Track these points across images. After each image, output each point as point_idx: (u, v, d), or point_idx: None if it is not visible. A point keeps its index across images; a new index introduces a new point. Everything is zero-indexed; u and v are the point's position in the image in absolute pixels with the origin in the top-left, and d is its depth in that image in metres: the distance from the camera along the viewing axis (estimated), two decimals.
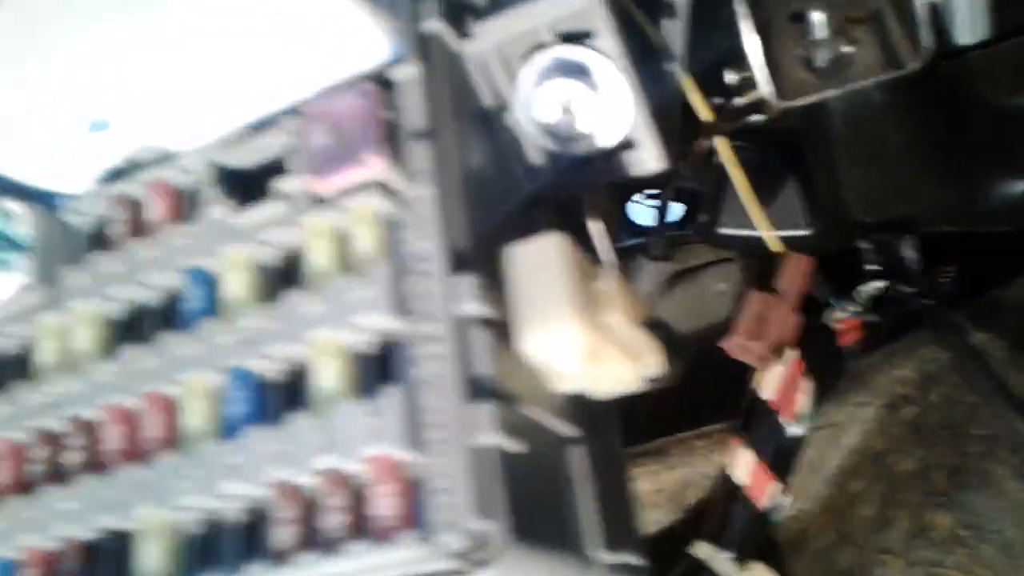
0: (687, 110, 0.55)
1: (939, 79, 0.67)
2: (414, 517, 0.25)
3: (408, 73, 0.32)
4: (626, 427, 0.86)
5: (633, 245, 0.73)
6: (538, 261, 0.29)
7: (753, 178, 0.79)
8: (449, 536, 0.25)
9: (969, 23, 0.45)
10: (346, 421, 0.27)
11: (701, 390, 0.78)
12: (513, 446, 0.27)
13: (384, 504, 0.26)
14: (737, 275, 0.91)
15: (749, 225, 0.76)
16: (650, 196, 0.87)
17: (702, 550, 0.65)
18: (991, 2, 0.45)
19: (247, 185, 0.32)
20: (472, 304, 0.28)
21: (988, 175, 0.67)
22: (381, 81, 0.32)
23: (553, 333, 0.28)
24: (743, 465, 0.66)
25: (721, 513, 0.66)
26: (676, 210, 0.86)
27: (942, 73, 0.68)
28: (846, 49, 0.51)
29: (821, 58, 0.51)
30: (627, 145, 0.36)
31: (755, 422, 0.67)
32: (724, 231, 0.79)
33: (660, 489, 0.70)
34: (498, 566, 0.25)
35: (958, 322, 0.61)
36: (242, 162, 0.33)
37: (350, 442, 0.26)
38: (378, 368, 0.28)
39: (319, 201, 0.31)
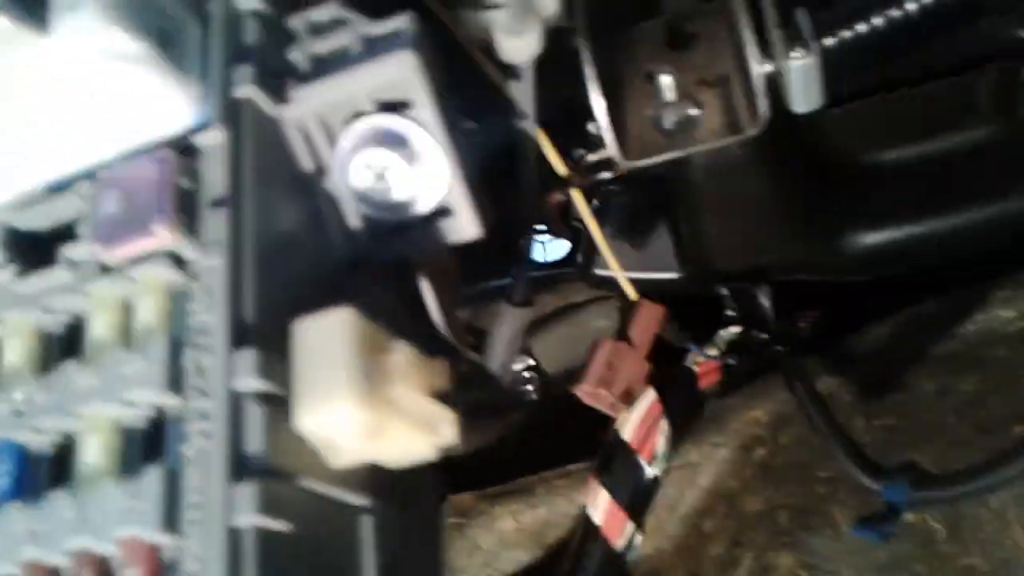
0: (543, 162, 0.57)
1: (798, 135, 0.70)
2: None
3: (212, 139, 0.32)
4: (489, 465, 0.87)
5: (498, 288, 0.74)
6: (323, 336, 0.29)
7: (627, 221, 0.82)
8: None
9: (803, 95, 0.47)
10: (104, 501, 0.27)
11: (567, 429, 0.80)
12: (277, 525, 0.27)
13: None
14: (616, 314, 0.93)
15: (625, 266, 0.78)
16: (542, 232, 0.89)
17: None
18: (824, 78, 0.47)
19: (38, 249, 0.32)
20: (249, 379, 0.28)
21: (841, 228, 0.70)
22: (185, 148, 0.32)
23: (327, 410, 0.28)
24: (600, 505, 0.67)
25: (576, 552, 0.67)
26: (561, 247, 0.88)
27: (801, 129, 0.71)
28: (693, 112, 0.52)
29: (668, 120, 0.52)
30: (445, 212, 0.37)
31: (613, 462, 0.68)
32: (599, 272, 0.81)
33: (521, 528, 0.71)
34: None
35: (806, 368, 0.64)
36: (33, 225, 0.32)
37: (104, 523, 0.26)
38: (148, 445, 0.28)
39: (106, 270, 0.30)
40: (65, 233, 0.31)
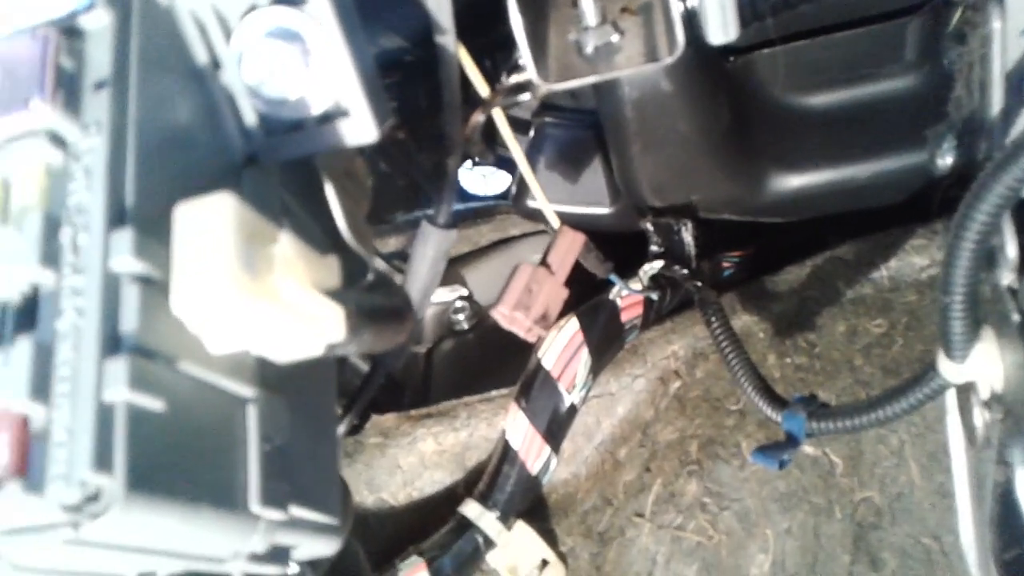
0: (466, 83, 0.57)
1: (727, 75, 0.70)
2: (26, 468, 0.26)
3: (97, 21, 0.31)
4: (414, 389, 0.88)
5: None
6: (202, 220, 0.29)
7: (563, 154, 0.82)
8: (60, 487, 0.25)
9: (719, 26, 0.48)
10: None
11: (499, 355, 0.81)
12: (150, 403, 0.27)
13: None
14: None
15: (557, 200, 0.78)
16: (475, 164, 0.89)
17: (471, 509, 0.68)
18: (741, 10, 0.48)
19: None
20: (125, 259, 0.28)
21: (767, 169, 0.71)
22: (70, 29, 0.31)
23: (202, 293, 0.28)
24: (518, 429, 0.69)
25: (493, 474, 0.69)
26: (502, 180, 0.88)
27: (730, 69, 0.71)
28: (614, 38, 0.53)
29: (590, 44, 0.52)
30: (340, 113, 0.37)
31: (534, 389, 0.69)
32: (531, 204, 0.81)
33: (442, 450, 0.72)
34: (111, 517, 0.26)
35: (721, 305, 0.65)
36: None
37: None
38: (20, 319, 0.28)
39: None
40: None
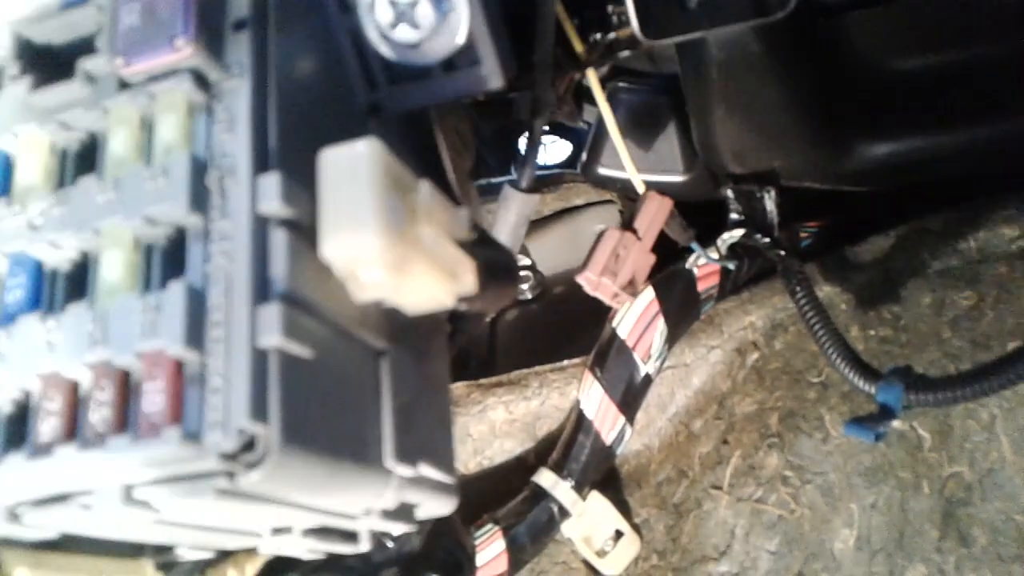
0: (561, 40, 0.55)
1: (816, 37, 0.68)
2: (184, 415, 0.25)
3: None
4: (480, 358, 0.87)
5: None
6: (349, 166, 0.28)
7: (637, 120, 0.80)
8: (217, 435, 0.25)
9: None
10: (124, 314, 0.26)
11: (563, 325, 0.80)
12: (301, 351, 0.27)
13: (153, 400, 0.25)
14: (616, 217, 0.92)
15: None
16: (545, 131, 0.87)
17: (545, 478, 0.67)
18: None
19: (54, 63, 0.30)
20: (273, 203, 0.27)
21: (854, 138, 0.69)
22: None
23: (354, 240, 0.27)
24: (593, 399, 0.68)
25: (567, 443, 0.68)
26: (563, 148, 0.87)
27: (821, 31, 0.69)
28: None
29: None
30: (466, 61, 0.35)
31: (609, 358, 0.68)
32: (603, 172, 0.80)
33: (513, 419, 0.71)
34: (268, 468, 0.25)
35: (806, 274, 0.63)
36: (50, 38, 0.31)
37: (126, 335, 0.26)
38: (170, 263, 0.27)
39: (125, 85, 0.29)
40: (83, 47, 0.30)
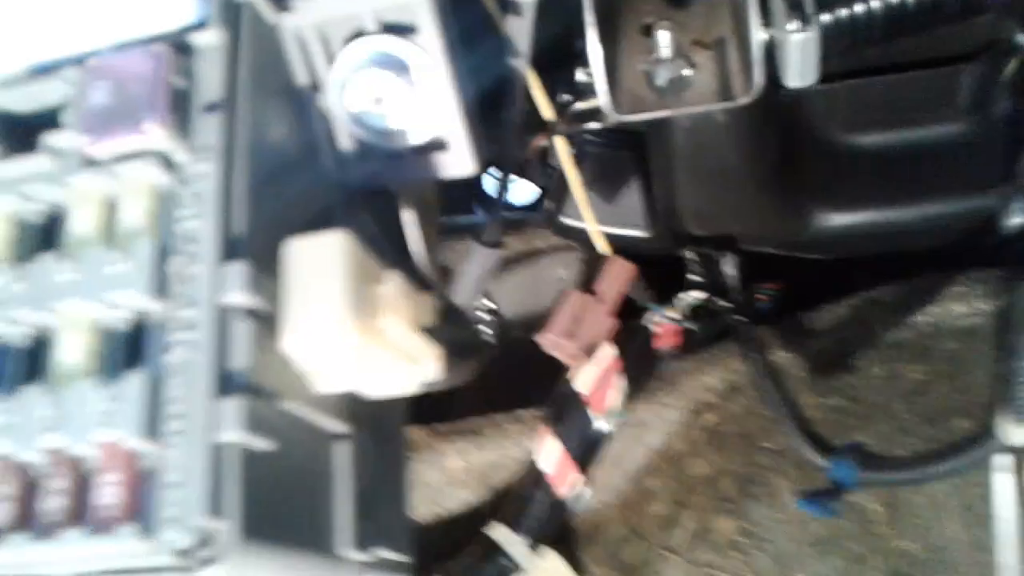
0: (531, 105, 0.56)
1: (779, 109, 0.70)
2: (139, 510, 0.25)
3: (209, 40, 0.30)
4: (441, 405, 0.87)
5: (468, 226, 0.73)
6: (316, 257, 0.28)
7: (603, 173, 0.81)
8: (173, 532, 0.24)
9: (799, 70, 0.47)
10: (82, 401, 0.26)
11: (521, 374, 0.80)
12: (260, 444, 0.26)
13: (109, 493, 0.25)
14: (577, 265, 0.93)
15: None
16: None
17: (498, 532, 0.66)
18: (820, 54, 0.47)
19: (19, 133, 0.30)
20: (237, 294, 0.27)
21: (813, 206, 0.71)
22: (180, 45, 0.30)
23: (317, 332, 0.27)
24: (549, 453, 0.68)
25: (521, 497, 0.68)
26: (529, 192, 0.87)
27: (782, 103, 0.71)
28: (686, 72, 0.52)
29: (662, 77, 0.52)
30: (439, 146, 0.36)
31: (565, 413, 0.69)
32: (566, 221, 0.80)
33: (469, 467, 0.71)
34: (224, 565, 0.25)
35: (762, 339, 0.65)
36: (15, 106, 0.31)
37: (82, 424, 0.25)
38: (128, 350, 0.27)
39: (91, 163, 0.29)
40: (48, 119, 0.30)
